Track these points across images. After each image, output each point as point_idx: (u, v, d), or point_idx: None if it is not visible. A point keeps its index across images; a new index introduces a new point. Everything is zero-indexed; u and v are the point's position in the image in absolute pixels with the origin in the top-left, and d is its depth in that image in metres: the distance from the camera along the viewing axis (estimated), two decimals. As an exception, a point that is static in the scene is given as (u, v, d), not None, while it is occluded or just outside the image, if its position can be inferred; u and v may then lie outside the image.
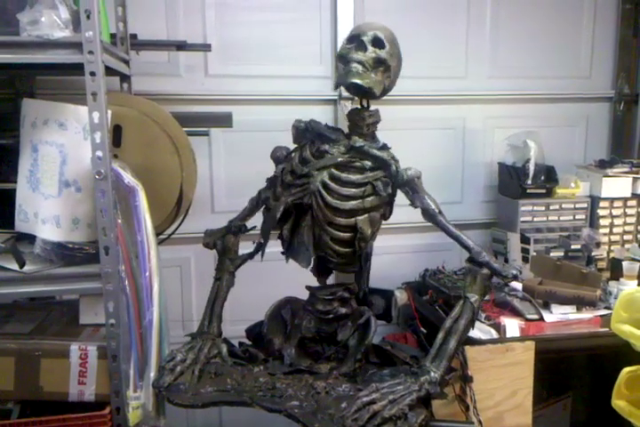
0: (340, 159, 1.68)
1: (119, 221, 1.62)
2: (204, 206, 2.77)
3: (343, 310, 1.78)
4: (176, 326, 2.76)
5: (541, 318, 2.29)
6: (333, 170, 1.67)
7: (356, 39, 1.66)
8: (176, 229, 2.29)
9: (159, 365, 1.72)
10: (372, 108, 1.78)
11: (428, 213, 1.66)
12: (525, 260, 2.69)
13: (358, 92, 1.72)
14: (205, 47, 2.46)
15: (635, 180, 2.75)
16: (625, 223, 2.81)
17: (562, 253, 2.70)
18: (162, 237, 2.17)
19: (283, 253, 1.79)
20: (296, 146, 1.82)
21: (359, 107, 1.77)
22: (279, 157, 1.82)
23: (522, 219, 2.74)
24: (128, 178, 1.65)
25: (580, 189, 2.76)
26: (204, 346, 1.76)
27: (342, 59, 1.68)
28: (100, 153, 1.60)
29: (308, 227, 1.69)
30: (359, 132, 1.73)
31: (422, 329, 2.34)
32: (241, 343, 1.91)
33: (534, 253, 2.68)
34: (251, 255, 1.89)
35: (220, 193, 2.78)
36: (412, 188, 1.66)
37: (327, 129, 1.76)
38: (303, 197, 1.68)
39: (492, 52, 2.96)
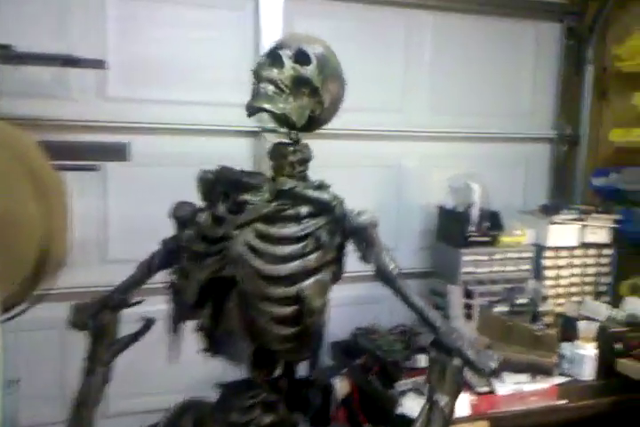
0: (266, 209, 1.30)
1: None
2: (93, 254, 2.32)
3: (267, 420, 1.35)
4: (53, 404, 2.25)
5: (493, 391, 1.97)
6: (259, 225, 1.28)
7: (272, 53, 1.32)
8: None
9: None
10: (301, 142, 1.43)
11: (384, 275, 1.30)
12: (468, 316, 2.38)
13: (276, 121, 1.36)
14: (98, 64, 2.03)
15: (582, 227, 2.54)
16: (572, 275, 2.58)
17: (507, 308, 2.43)
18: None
19: (204, 349, 1.35)
20: (206, 203, 1.42)
21: (283, 141, 1.41)
22: (183, 217, 1.41)
23: (464, 270, 2.45)
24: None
25: (525, 237, 2.52)
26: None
27: (254, 77, 1.32)
28: None
29: (235, 308, 1.27)
30: (284, 174, 1.36)
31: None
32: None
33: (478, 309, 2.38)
34: (135, 337, 1.44)
35: (115, 238, 2.34)
36: (366, 238, 1.30)
37: (244, 174, 1.38)
38: (223, 268, 1.27)
39: (431, 85, 2.71)
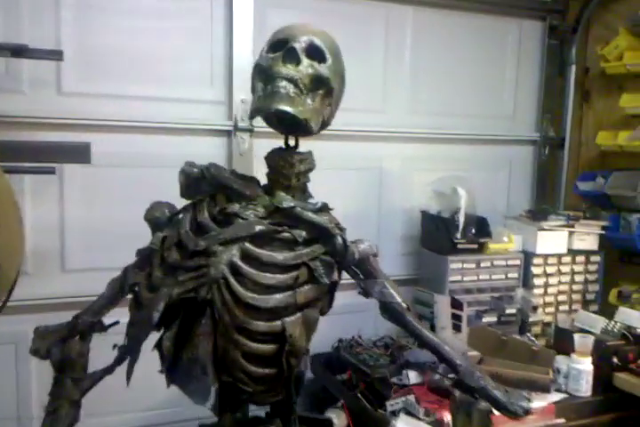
0: (258, 228, 1.12)
1: None
2: (51, 263, 2.10)
3: None
4: (9, 425, 2.07)
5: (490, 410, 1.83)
6: (248, 244, 1.11)
7: (283, 46, 1.13)
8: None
9: None
10: (303, 148, 1.26)
11: (390, 310, 1.16)
12: (457, 328, 2.25)
13: (288, 125, 1.19)
14: (54, 55, 1.82)
15: (570, 234, 2.44)
16: (560, 282, 2.47)
17: (495, 318, 2.32)
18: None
19: (161, 371, 1.15)
20: (186, 203, 1.23)
21: (284, 147, 1.24)
22: (159, 219, 1.22)
23: (451, 278, 2.32)
24: None
25: (513, 243, 2.40)
26: None
27: (263, 73, 1.14)
28: None
29: (205, 336, 1.08)
30: (284, 185, 1.19)
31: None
32: None
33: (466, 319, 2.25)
34: (108, 370, 1.22)
35: (74, 246, 2.12)
36: (366, 270, 1.16)
37: (236, 178, 1.20)
38: (198, 288, 1.08)
39: (412, 84, 2.58)
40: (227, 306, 1.07)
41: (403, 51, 2.55)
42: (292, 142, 1.27)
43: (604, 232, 2.46)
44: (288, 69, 1.09)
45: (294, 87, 1.09)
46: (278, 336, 1.09)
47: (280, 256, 1.11)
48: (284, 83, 1.08)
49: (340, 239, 1.14)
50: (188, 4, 2.19)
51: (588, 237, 2.47)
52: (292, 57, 1.11)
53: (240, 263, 1.09)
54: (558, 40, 2.70)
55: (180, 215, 1.19)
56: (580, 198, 2.68)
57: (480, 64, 2.67)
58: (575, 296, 2.52)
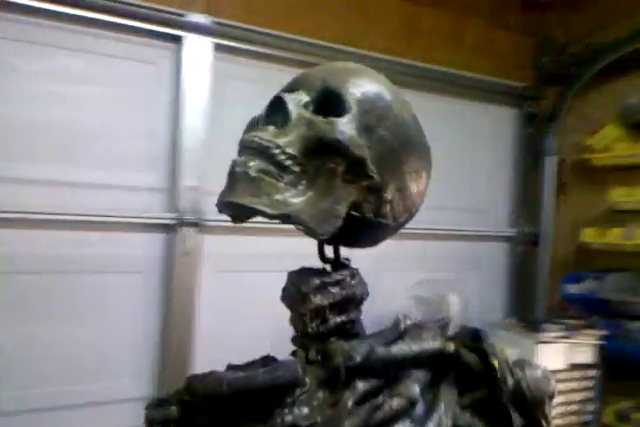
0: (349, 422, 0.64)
1: None
2: None
3: None
4: None
5: None
6: None
7: (274, 98, 0.70)
8: None
9: None
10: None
11: None
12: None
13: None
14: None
15: (569, 346, 2.11)
16: (557, 404, 2.11)
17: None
18: None
19: None
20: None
21: (307, 267, 0.77)
22: None
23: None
24: None
25: (510, 361, 2.03)
26: None
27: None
28: None
29: None
30: (307, 338, 0.73)
31: None
32: None
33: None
34: None
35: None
36: (533, 418, 0.67)
37: (236, 372, 0.70)
38: None
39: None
40: None
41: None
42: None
43: (603, 343, 2.15)
44: (260, 133, 0.67)
45: (264, 162, 0.66)
46: None
47: None
48: (244, 157, 0.66)
49: (474, 359, 0.68)
50: (127, 69, 1.78)
51: (585, 348, 2.15)
52: (275, 114, 0.68)
53: None
54: (535, 128, 2.50)
55: None
56: (568, 303, 2.38)
57: (452, 153, 2.40)
58: (573, 418, 2.16)
